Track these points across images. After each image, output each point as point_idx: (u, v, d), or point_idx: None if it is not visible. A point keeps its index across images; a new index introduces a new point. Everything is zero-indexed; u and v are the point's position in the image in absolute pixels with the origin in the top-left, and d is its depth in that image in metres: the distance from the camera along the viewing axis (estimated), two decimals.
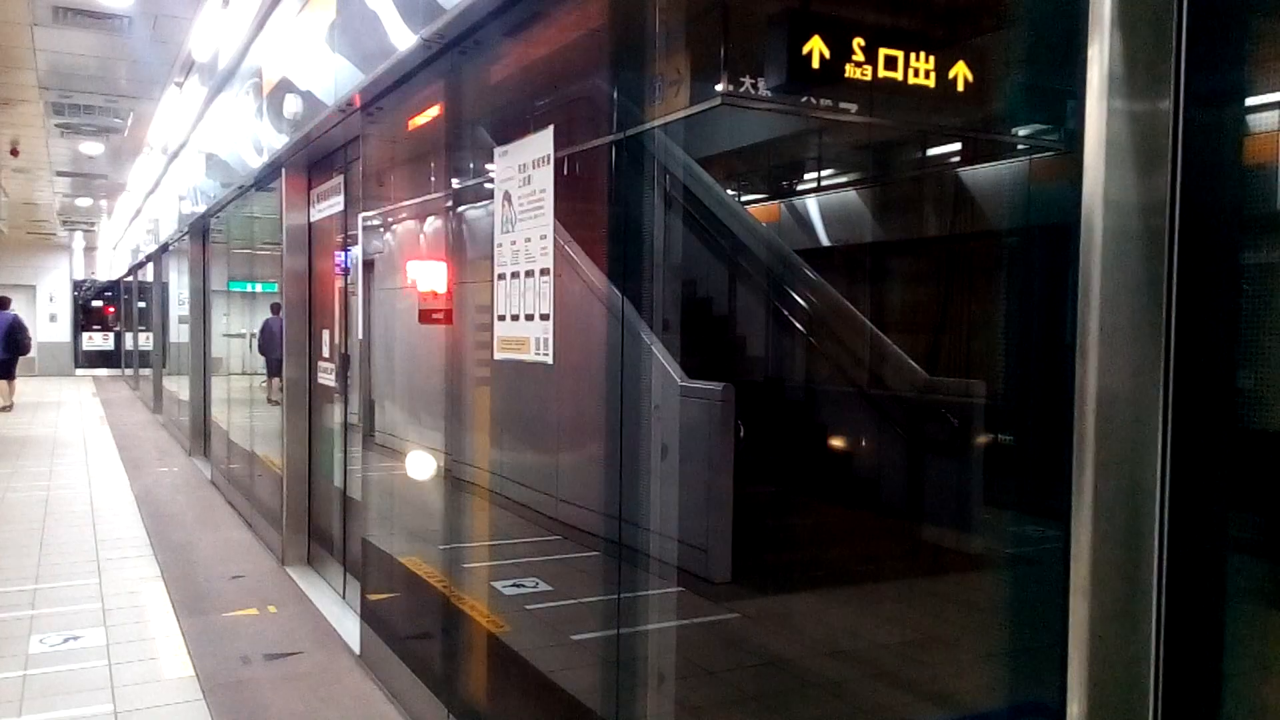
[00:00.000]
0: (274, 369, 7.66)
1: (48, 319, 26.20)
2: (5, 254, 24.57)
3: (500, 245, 3.01)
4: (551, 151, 2.71)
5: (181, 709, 3.95)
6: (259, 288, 8.65)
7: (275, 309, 7.54)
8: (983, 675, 3.13)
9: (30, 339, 17.53)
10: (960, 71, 2.94)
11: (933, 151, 7.40)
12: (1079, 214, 1.39)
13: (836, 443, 6.02)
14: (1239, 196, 1.36)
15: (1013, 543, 4.06)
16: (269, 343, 7.97)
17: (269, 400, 7.94)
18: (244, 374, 9.08)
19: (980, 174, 6.61)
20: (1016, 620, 2.76)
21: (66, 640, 4.77)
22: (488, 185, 3.21)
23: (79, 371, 26.47)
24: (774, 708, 3.33)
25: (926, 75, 2.88)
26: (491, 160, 3.11)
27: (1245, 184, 1.36)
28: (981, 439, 5.01)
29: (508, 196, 2.95)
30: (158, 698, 4.07)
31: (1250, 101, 1.37)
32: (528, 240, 2.82)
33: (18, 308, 19.89)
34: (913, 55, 2.84)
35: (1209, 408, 1.36)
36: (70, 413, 16.22)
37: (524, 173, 2.85)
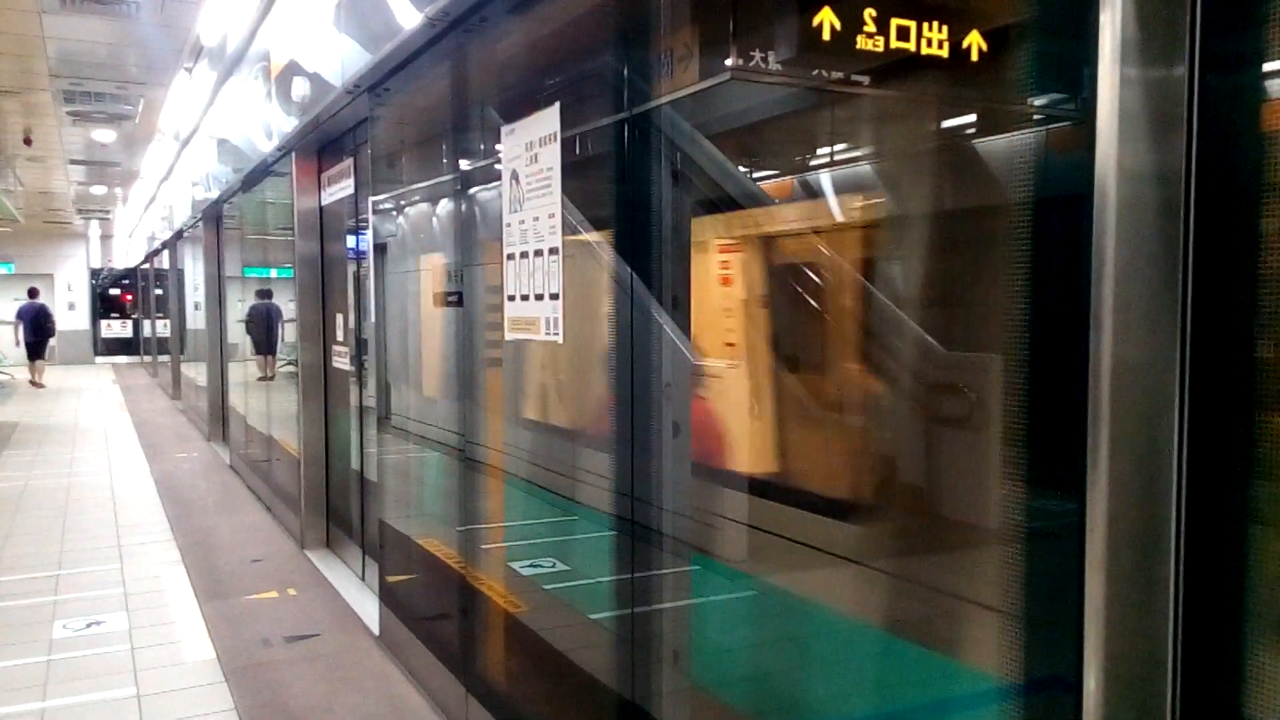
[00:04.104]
0: (260, 348, 9.43)
1: (66, 307, 26.35)
2: (23, 243, 24.75)
3: (509, 225, 3.00)
4: (558, 129, 2.69)
5: (203, 691, 4.00)
6: (273, 273, 8.71)
7: (259, 294, 9.63)
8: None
9: (54, 324, 20.41)
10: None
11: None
12: (1092, 184, 1.36)
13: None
14: (1256, 164, 1.33)
15: None
16: (255, 324, 9.50)
17: (260, 378, 9.03)
18: (260, 359, 9.16)
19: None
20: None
21: (89, 625, 4.83)
22: (496, 166, 3.19)
23: (98, 359, 26.68)
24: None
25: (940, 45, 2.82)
26: (498, 140, 3.09)
27: (1262, 151, 1.33)
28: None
29: (515, 175, 2.93)
30: (180, 681, 4.11)
31: (1268, 67, 1.34)
32: (536, 219, 2.80)
33: None
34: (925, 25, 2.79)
35: (1226, 378, 1.34)
36: (90, 400, 16.37)
37: (531, 151, 2.82)
